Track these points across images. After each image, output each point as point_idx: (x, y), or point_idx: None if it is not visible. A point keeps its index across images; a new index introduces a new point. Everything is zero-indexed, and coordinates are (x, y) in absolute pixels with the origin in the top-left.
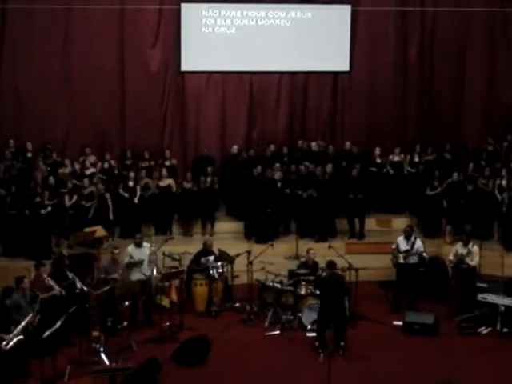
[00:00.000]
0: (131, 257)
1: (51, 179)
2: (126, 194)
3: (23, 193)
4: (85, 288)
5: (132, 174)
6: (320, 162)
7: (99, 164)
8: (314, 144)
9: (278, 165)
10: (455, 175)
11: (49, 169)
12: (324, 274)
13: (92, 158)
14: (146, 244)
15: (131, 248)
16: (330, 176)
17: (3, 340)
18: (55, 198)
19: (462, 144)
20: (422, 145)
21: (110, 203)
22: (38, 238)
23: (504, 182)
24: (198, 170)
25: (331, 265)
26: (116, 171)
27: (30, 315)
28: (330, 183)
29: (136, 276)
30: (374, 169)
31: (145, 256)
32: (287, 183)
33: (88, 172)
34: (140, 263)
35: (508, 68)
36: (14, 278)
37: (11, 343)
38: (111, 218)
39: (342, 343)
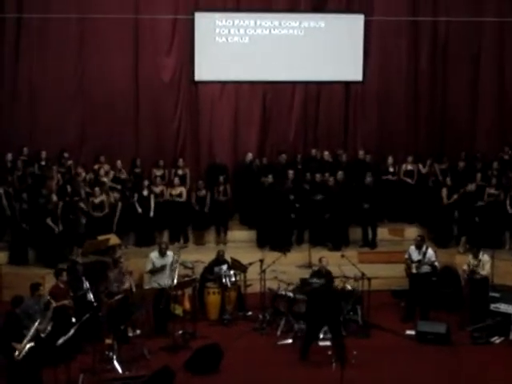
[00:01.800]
0: (154, 265)
1: (68, 188)
2: (140, 209)
3: (38, 201)
4: (94, 303)
5: (146, 183)
6: (333, 171)
7: (112, 173)
8: (326, 153)
9: (291, 172)
10: (471, 186)
11: (66, 177)
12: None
13: (107, 167)
14: (169, 253)
15: (154, 255)
16: (340, 184)
17: (16, 349)
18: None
19: (474, 153)
20: (433, 156)
21: (117, 213)
22: (51, 246)
23: None
24: (211, 179)
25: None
26: (130, 182)
27: (38, 321)
28: (341, 191)
29: (157, 283)
30: (391, 177)
31: (167, 265)
32: (300, 192)
33: (100, 180)
34: (162, 269)
35: None
36: (27, 285)
37: (23, 352)
38: (114, 229)
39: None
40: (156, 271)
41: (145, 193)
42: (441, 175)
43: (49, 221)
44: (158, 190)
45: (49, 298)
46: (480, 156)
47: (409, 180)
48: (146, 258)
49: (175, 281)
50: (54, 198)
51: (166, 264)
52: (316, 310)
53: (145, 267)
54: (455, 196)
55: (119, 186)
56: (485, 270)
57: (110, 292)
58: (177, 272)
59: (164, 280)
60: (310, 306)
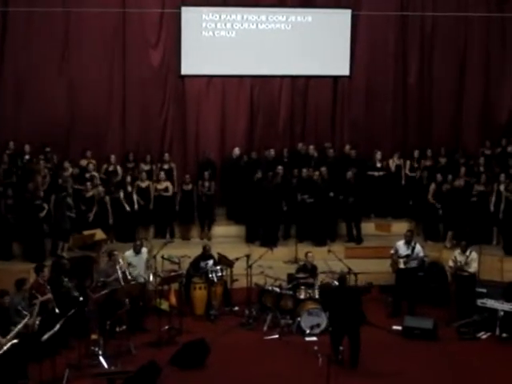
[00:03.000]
0: (129, 263)
1: (60, 181)
2: (128, 207)
3: (25, 196)
4: (80, 298)
5: (129, 179)
6: (319, 166)
7: (104, 166)
8: (312, 147)
9: (280, 167)
10: (459, 181)
11: (51, 172)
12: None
13: (93, 161)
14: (143, 249)
15: (129, 254)
16: (325, 179)
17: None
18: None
19: (460, 148)
20: (420, 150)
21: (109, 207)
22: (37, 241)
23: (502, 187)
24: (201, 174)
25: (341, 279)
26: (119, 176)
27: (26, 319)
28: (326, 187)
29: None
30: (376, 173)
31: (142, 262)
32: (287, 187)
33: (89, 175)
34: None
35: (502, 71)
36: (12, 280)
37: (5, 348)
38: (111, 222)
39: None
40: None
41: (129, 189)
42: (425, 171)
43: (41, 214)
44: (144, 185)
45: (34, 292)
46: (461, 151)
47: (393, 169)
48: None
49: (151, 277)
50: (41, 193)
51: (141, 268)
52: (336, 313)
53: None
54: (444, 188)
55: (105, 177)
56: (472, 268)
57: (96, 286)
58: (152, 268)
59: (138, 276)
60: (330, 311)
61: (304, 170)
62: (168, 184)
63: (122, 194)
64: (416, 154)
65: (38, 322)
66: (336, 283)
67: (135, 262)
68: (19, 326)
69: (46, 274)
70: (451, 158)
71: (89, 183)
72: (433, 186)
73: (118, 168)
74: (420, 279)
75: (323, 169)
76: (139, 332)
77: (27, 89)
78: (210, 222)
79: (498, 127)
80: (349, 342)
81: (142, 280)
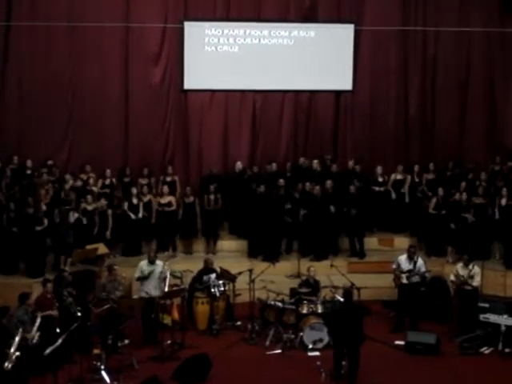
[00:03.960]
0: (142, 273)
1: (62, 194)
2: (133, 215)
3: (27, 210)
4: (78, 314)
5: (134, 191)
6: (321, 180)
7: (100, 181)
8: (315, 162)
9: (282, 181)
10: (459, 195)
11: (55, 185)
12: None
13: (93, 175)
14: (158, 262)
15: (143, 263)
16: (329, 193)
17: (7, 356)
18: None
19: (463, 163)
20: (421, 165)
21: (110, 221)
22: (38, 256)
23: (504, 201)
24: (205, 189)
25: (347, 294)
26: (120, 190)
27: (20, 331)
28: (329, 201)
29: (149, 289)
30: (377, 188)
31: (156, 273)
32: (289, 201)
33: (90, 189)
34: (149, 276)
35: (507, 86)
36: (15, 295)
37: (11, 361)
38: (108, 236)
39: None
40: (143, 278)
41: (134, 201)
42: (426, 186)
43: (38, 228)
44: (145, 199)
45: (34, 308)
46: (467, 166)
47: (394, 195)
48: (133, 268)
49: (165, 290)
50: (44, 207)
51: (153, 270)
52: (339, 330)
53: (133, 275)
54: (443, 211)
55: (108, 190)
56: (475, 282)
57: (99, 299)
58: (167, 282)
59: (152, 289)
60: (332, 327)
61: (307, 184)
62: (171, 198)
63: (126, 205)
64: (416, 168)
65: (37, 336)
66: (340, 298)
67: (147, 272)
68: (17, 339)
69: (50, 289)
70: (453, 172)
71: (89, 196)
72: (434, 200)
73: (114, 182)
74: (422, 294)
75: (329, 182)
76: (152, 344)
77: (30, 103)
78: (216, 237)
79: (504, 145)
80: (347, 358)
81: (154, 293)
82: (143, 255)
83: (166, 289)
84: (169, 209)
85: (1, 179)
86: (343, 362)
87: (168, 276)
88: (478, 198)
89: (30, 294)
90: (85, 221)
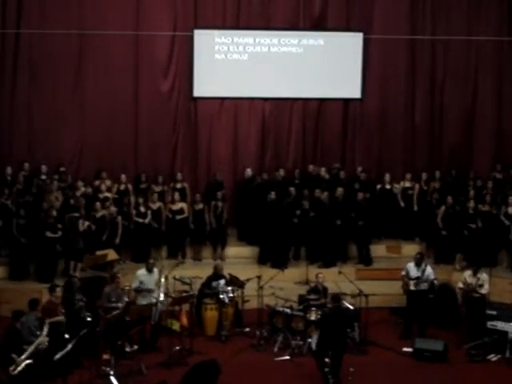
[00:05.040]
0: (141, 282)
1: (72, 201)
2: (140, 219)
3: (38, 216)
4: (88, 319)
5: (141, 200)
6: (330, 188)
7: (116, 186)
8: (323, 169)
9: (292, 189)
10: (469, 203)
11: (65, 192)
12: (327, 309)
13: (108, 182)
14: (155, 269)
15: (141, 272)
16: (339, 200)
17: (14, 362)
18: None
19: (471, 171)
20: (429, 173)
21: (120, 227)
22: (49, 261)
23: (511, 210)
24: (209, 195)
25: (336, 298)
26: (132, 196)
27: (40, 339)
28: (338, 208)
29: (144, 301)
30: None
31: (153, 281)
32: (298, 208)
33: (102, 196)
34: (149, 291)
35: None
36: (25, 300)
37: (19, 368)
38: (117, 242)
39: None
40: (141, 291)
41: (142, 209)
42: (435, 193)
43: (49, 233)
44: (155, 206)
45: (40, 315)
46: (472, 174)
47: (402, 204)
48: None
49: (162, 296)
50: (54, 212)
51: (153, 289)
52: (328, 334)
53: (132, 285)
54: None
55: (117, 196)
56: (483, 289)
57: (106, 308)
58: (162, 289)
59: (152, 296)
60: (322, 332)
61: (317, 191)
62: (183, 205)
63: (134, 212)
64: (424, 176)
65: (46, 343)
66: (348, 305)
67: (147, 280)
68: (33, 346)
69: (59, 295)
70: (460, 181)
71: (98, 203)
72: (442, 209)
73: (130, 187)
74: (430, 301)
75: (340, 189)
76: (152, 352)
77: (40, 110)
78: (223, 242)
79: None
80: (331, 362)
81: (152, 300)
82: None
83: (162, 295)
84: (180, 216)
85: (12, 185)
86: (351, 369)
87: (163, 282)
88: (485, 205)
89: (39, 300)
90: (93, 227)
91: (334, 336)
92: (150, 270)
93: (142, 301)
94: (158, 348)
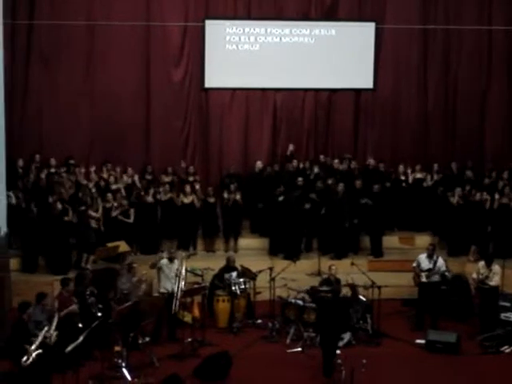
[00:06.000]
0: (162, 270)
1: (80, 194)
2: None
3: (50, 208)
4: (99, 314)
5: (151, 191)
6: (342, 179)
7: (124, 176)
8: (336, 161)
9: (300, 179)
10: (481, 194)
11: (74, 184)
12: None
13: (114, 173)
14: (175, 260)
15: (164, 262)
16: (357, 190)
17: (27, 351)
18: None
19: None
20: (440, 163)
21: (132, 219)
22: (63, 254)
23: None
24: (225, 187)
25: (328, 282)
26: (140, 187)
27: (45, 329)
28: (349, 199)
29: (166, 285)
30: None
31: (173, 271)
32: (308, 199)
33: (114, 187)
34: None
35: None
36: (36, 292)
37: (31, 358)
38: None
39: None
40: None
41: (149, 199)
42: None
43: (67, 218)
44: (166, 197)
45: (55, 308)
46: (486, 166)
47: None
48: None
49: (181, 286)
50: (59, 205)
51: (171, 267)
52: (325, 320)
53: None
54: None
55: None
56: (494, 281)
57: (120, 298)
58: (182, 278)
59: (169, 286)
60: (319, 316)
61: (330, 181)
62: (194, 197)
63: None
64: (436, 167)
65: (55, 336)
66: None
67: (168, 270)
68: (39, 339)
69: (71, 289)
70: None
71: (110, 194)
72: (456, 199)
73: (136, 180)
74: (443, 293)
75: (358, 182)
76: (171, 342)
77: (51, 101)
78: (237, 234)
79: None
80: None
81: (171, 289)
82: (162, 253)
83: (183, 285)
84: (191, 208)
85: (24, 177)
86: (363, 361)
87: (184, 273)
88: (504, 197)
89: (46, 294)
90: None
91: (330, 323)
92: (171, 260)
93: (163, 289)
94: (177, 338)
